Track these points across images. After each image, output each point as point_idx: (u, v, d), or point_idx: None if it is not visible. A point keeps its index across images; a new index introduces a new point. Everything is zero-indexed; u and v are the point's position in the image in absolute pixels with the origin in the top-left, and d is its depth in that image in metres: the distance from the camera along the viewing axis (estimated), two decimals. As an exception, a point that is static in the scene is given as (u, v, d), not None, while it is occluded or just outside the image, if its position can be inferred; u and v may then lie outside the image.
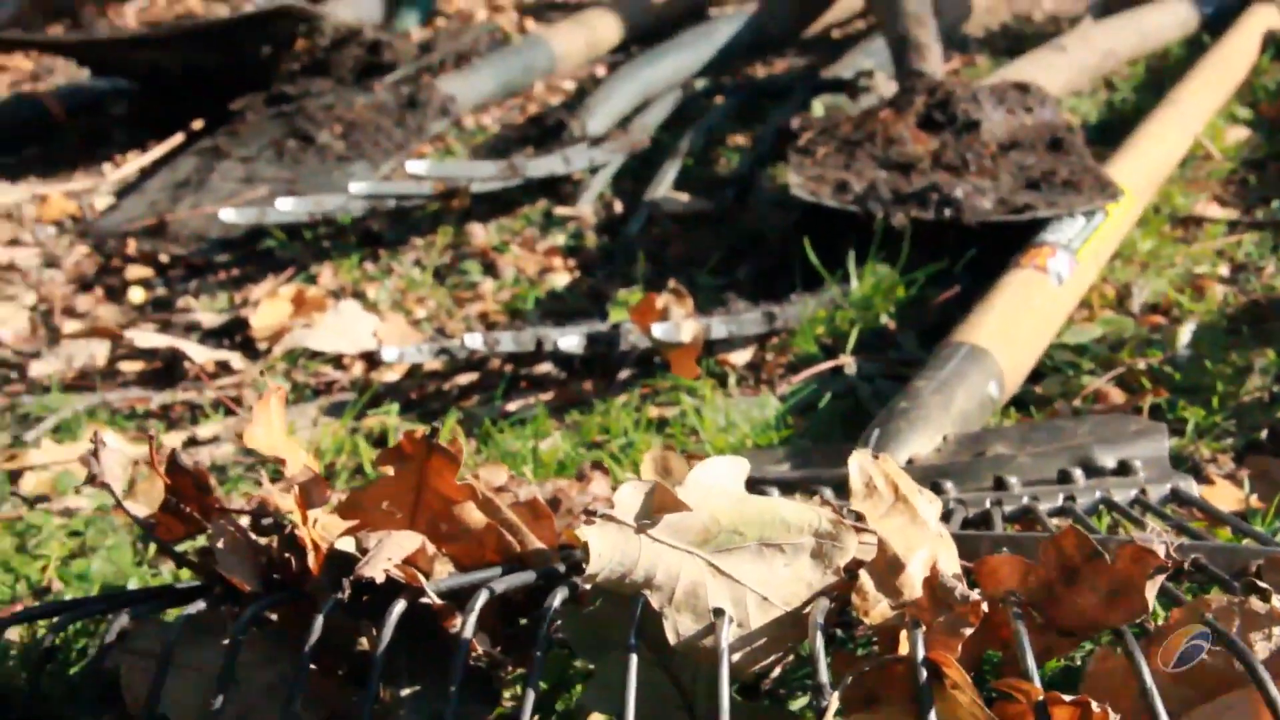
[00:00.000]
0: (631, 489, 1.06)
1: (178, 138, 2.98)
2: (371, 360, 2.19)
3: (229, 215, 2.43)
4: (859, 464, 1.14)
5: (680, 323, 1.93)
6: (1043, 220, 2.13)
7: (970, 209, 2.17)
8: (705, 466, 1.11)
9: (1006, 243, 2.11)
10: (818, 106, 2.97)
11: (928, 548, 1.11)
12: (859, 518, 1.12)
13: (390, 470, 1.25)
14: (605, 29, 3.53)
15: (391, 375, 2.12)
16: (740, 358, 2.07)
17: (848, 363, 1.97)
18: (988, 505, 1.42)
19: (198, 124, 3.02)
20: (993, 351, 1.77)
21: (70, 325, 2.35)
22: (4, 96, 3.26)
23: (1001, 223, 2.15)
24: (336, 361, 2.21)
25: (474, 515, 1.24)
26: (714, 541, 1.08)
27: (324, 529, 1.24)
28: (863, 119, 2.50)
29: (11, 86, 3.41)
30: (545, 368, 2.10)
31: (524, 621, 1.26)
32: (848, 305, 2.13)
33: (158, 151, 2.95)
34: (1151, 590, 1.04)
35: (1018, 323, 1.86)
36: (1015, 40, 3.57)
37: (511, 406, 2.00)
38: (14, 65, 3.50)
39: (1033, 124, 2.50)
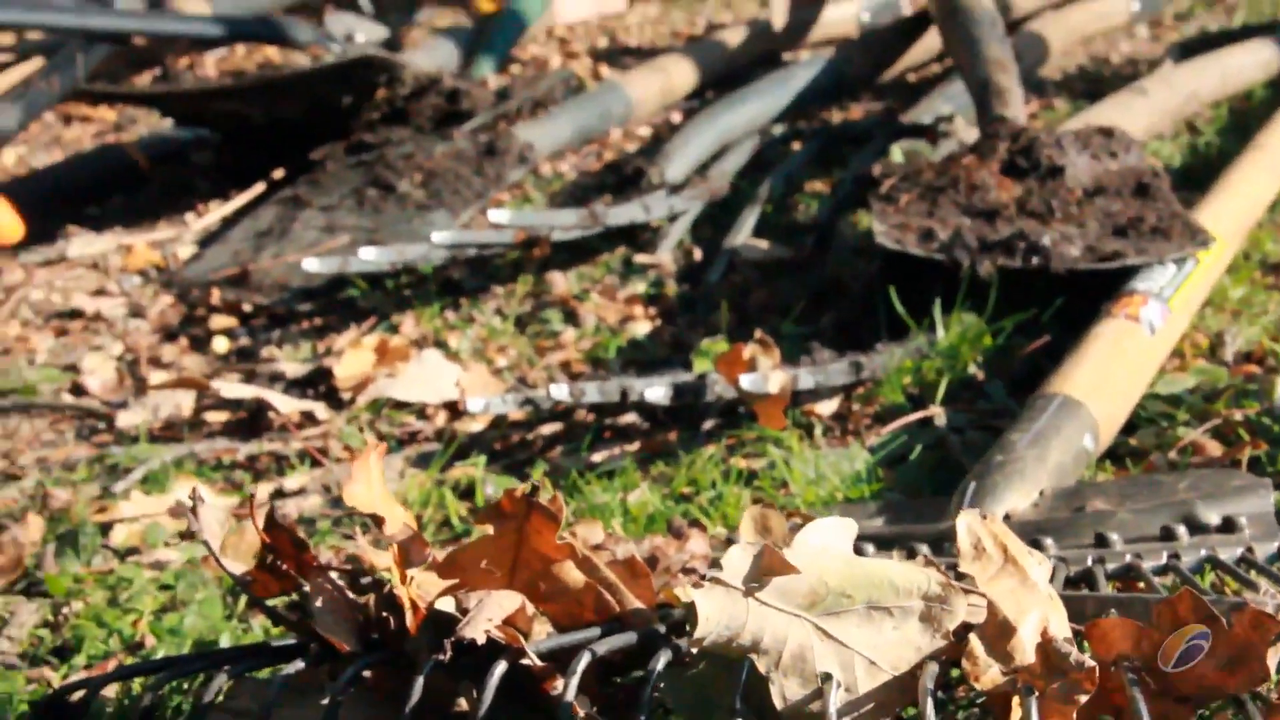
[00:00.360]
0: (740, 551, 1.05)
1: (259, 187, 3.01)
2: (455, 410, 2.20)
3: (312, 265, 2.45)
4: (967, 525, 1.13)
5: (767, 374, 1.92)
6: (1132, 268, 2.10)
7: (1058, 256, 2.14)
8: (812, 529, 1.10)
9: (1095, 290, 2.09)
10: (897, 152, 2.96)
11: (1039, 611, 1.09)
12: (967, 580, 1.10)
13: (489, 528, 1.24)
14: (680, 75, 3.53)
15: (476, 425, 2.12)
16: (826, 408, 2.05)
17: (937, 414, 1.95)
18: (1090, 563, 1.40)
19: (279, 173, 3.05)
20: (1087, 403, 1.74)
21: (156, 375, 2.36)
22: (90, 147, 3.31)
23: (1090, 270, 2.12)
24: (420, 411, 2.21)
25: (573, 574, 1.23)
26: (822, 605, 1.07)
27: (422, 588, 1.24)
28: (945, 165, 2.48)
29: (96, 137, 3.45)
30: (630, 418, 2.09)
31: (620, 681, 1.25)
32: (934, 354, 2.10)
33: (240, 200, 2.97)
34: (1273, 658, 1.02)
35: (1111, 373, 1.83)
36: (1093, 83, 3.54)
37: (597, 457, 1.99)
38: (99, 116, 3.55)
39: (1118, 169, 2.48)
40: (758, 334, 2.01)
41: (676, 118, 3.48)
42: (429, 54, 3.60)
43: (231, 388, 2.22)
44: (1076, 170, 2.45)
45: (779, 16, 3.85)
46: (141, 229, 2.94)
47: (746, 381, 1.91)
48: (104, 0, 3.60)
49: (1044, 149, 2.46)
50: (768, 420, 1.95)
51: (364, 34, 3.84)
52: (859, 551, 1.15)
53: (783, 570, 1.06)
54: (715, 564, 1.50)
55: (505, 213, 2.46)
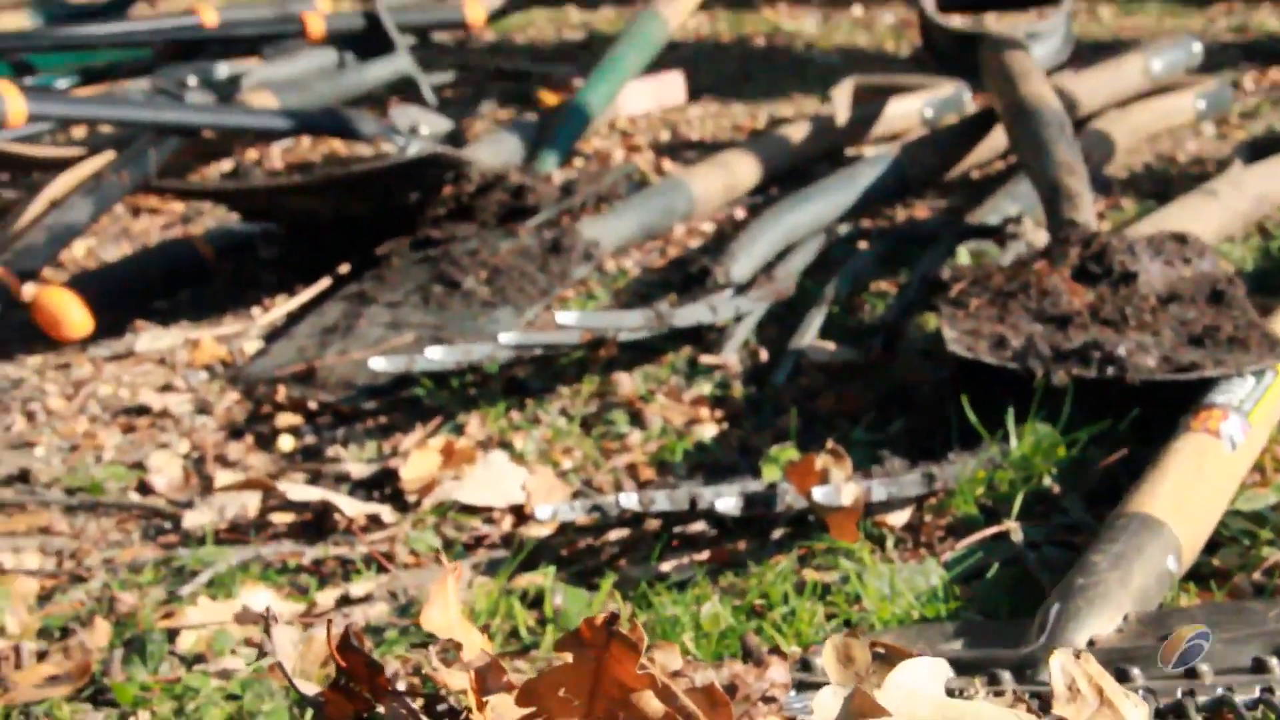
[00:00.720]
0: (831, 694, 1.03)
1: (325, 282, 3.02)
2: (521, 514, 2.18)
3: (378, 364, 2.45)
4: (1061, 665, 1.10)
5: (840, 486, 1.89)
6: (1209, 379, 2.07)
7: (1134, 367, 2.11)
8: (903, 670, 1.08)
9: (1170, 401, 2.06)
10: (964, 253, 2.94)
11: (1137, 758, 1.06)
12: (1063, 724, 1.07)
13: (568, 656, 1.22)
14: (743, 170, 3.53)
15: (542, 531, 2.11)
16: (898, 519, 2.02)
17: (1013, 529, 1.92)
18: (1179, 695, 1.36)
19: (344, 268, 3.06)
20: (1169, 523, 1.71)
21: (222, 474, 2.36)
22: (158, 239, 3.34)
23: (1167, 382, 2.09)
24: (486, 515, 2.19)
25: (653, 704, 1.21)
26: (914, 750, 1.04)
27: (498, 714, 1.22)
28: (1016, 270, 2.46)
29: (164, 229, 3.49)
30: (698, 525, 2.07)
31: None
32: (1007, 465, 2.08)
33: (306, 295, 2.98)
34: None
35: (1192, 491, 1.80)
36: (1160, 182, 3.52)
37: (666, 567, 1.97)
38: (167, 207, 3.59)
39: (1191, 275, 2.45)
40: (829, 444, 1.99)
41: (740, 214, 3.47)
42: (494, 148, 3.61)
43: (298, 490, 2.22)
44: (1150, 277, 2.43)
45: (841, 112, 3.85)
46: (208, 323, 2.96)
47: (819, 494, 1.89)
48: (175, 94, 3.64)
49: (1116, 255, 2.44)
50: (840, 532, 1.93)
51: (428, 126, 3.86)
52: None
53: (874, 714, 1.03)
54: (798, 687, 1.47)
55: (572, 314, 2.46)
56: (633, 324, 2.55)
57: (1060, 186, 2.69)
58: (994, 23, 4.74)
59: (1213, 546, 1.82)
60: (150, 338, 2.87)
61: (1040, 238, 2.82)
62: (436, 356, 2.45)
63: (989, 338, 2.26)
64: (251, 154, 4.08)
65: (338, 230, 3.10)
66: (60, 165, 3.32)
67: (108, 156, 3.31)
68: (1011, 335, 2.25)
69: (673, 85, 4.59)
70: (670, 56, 4.76)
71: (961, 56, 3.65)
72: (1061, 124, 2.93)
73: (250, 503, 2.24)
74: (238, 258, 3.15)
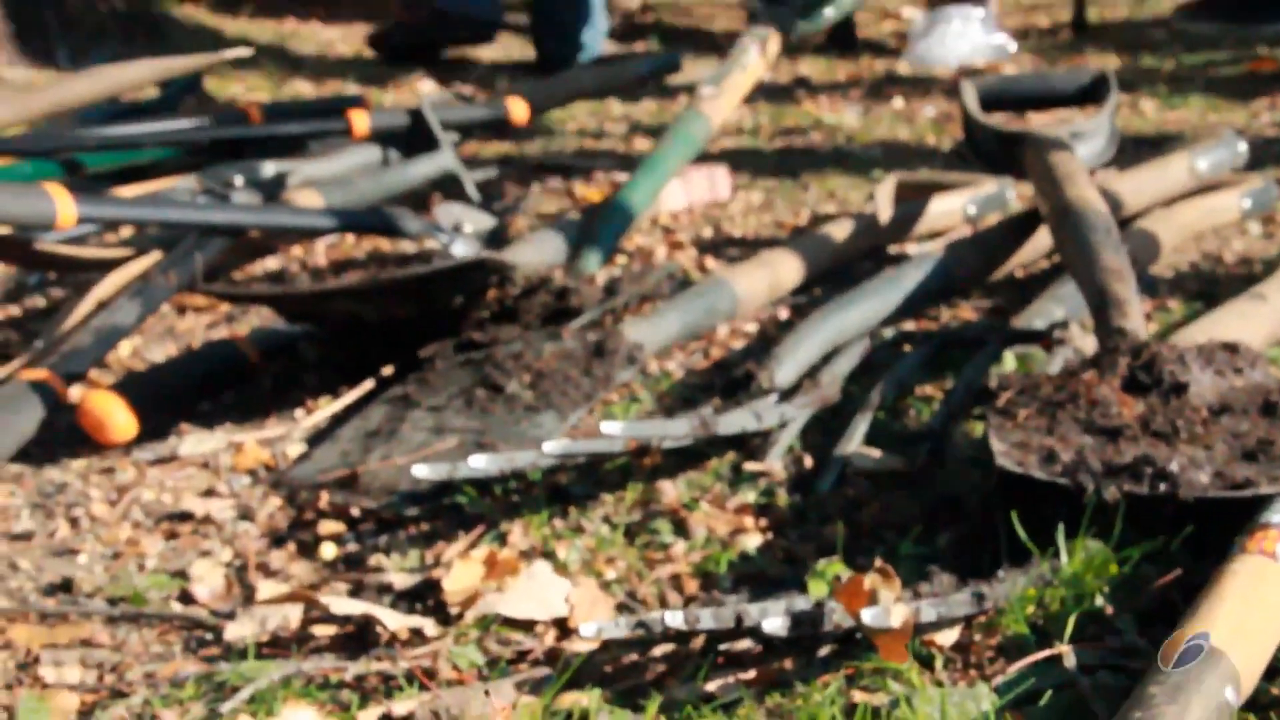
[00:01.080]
0: None
1: (369, 384, 3.02)
2: (564, 627, 2.16)
3: (421, 471, 2.44)
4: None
5: (889, 608, 1.87)
6: (1265, 496, 2.04)
7: (1186, 484, 2.09)
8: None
9: (1225, 518, 2.03)
10: (1010, 359, 2.93)
11: None
12: None
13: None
14: (786, 269, 3.53)
15: (586, 646, 2.08)
16: (947, 638, 1.99)
17: (1065, 653, 1.89)
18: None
19: (388, 370, 3.06)
20: (1227, 652, 1.68)
21: (264, 584, 2.35)
22: (203, 339, 3.35)
23: (1220, 499, 2.06)
24: (529, 628, 2.17)
25: None
26: None
27: None
28: (1064, 379, 2.45)
29: (210, 328, 3.50)
30: (744, 643, 2.05)
31: None
32: (1058, 583, 2.05)
33: (349, 398, 2.99)
34: None
35: (1249, 617, 1.76)
36: (1207, 282, 3.50)
37: (711, 687, 1.95)
38: (212, 306, 3.60)
39: (1243, 386, 2.43)
40: (878, 563, 1.96)
41: (784, 313, 3.47)
42: (537, 248, 3.62)
43: (340, 603, 2.20)
44: (1201, 388, 2.40)
45: (884, 210, 3.85)
46: (252, 425, 2.96)
47: (868, 616, 1.86)
48: (221, 194, 3.67)
49: (1166, 365, 2.42)
50: (889, 653, 1.90)
51: (471, 224, 3.88)
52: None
53: None
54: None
55: (617, 425, 2.45)
56: (677, 433, 2.54)
57: (1108, 293, 2.68)
58: (1037, 121, 4.75)
59: (1272, 673, 1.78)
60: (194, 441, 2.87)
61: (1088, 344, 2.80)
62: (479, 465, 2.44)
63: (1038, 450, 2.24)
64: (297, 250, 4.11)
65: (381, 332, 3.10)
66: (107, 266, 3.35)
67: (154, 257, 3.33)
68: (1061, 448, 2.23)
69: (717, 180, 4.60)
70: (713, 149, 4.78)
71: (1005, 155, 3.65)
72: (1108, 228, 2.91)
73: (292, 615, 2.23)
74: (282, 359, 3.16)
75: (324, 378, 3.14)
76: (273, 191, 3.87)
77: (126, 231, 3.81)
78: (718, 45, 7.55)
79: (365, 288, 2.98)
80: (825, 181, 4.73)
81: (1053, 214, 3.10)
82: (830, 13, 4.75)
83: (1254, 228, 3.88)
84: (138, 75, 3.74)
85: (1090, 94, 3.92)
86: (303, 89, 6.52)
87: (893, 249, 3.91)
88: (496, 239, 3.99)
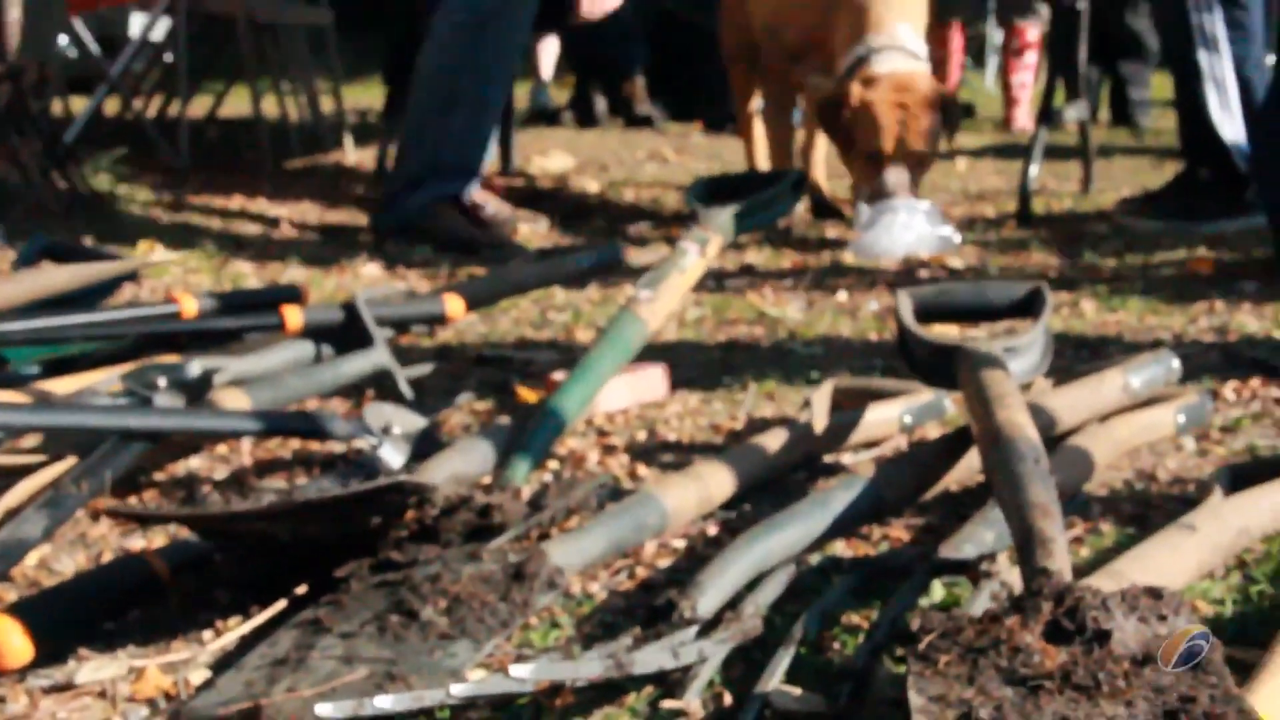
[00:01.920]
0: None
1: (281, 604, 2.93)
2: None
3: (325, 710, 2.35)
4: None
5: None
6: (1186, 765, 1.98)
7: (1105, 752, 2.02)
8: None
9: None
10: (938, 588, 2.88)
11: None
12: None
13: None
14: (717, 482, 3.48)
15: None
16: None
17: None
18: None
19: (301, 589, 2.98)
20: None
21: (152, 833, 2.24)
22: (114, 549, 3.26)
23: (1141, 768, 2.00)
24: None
25: None
26: None
27: None
28: (986, 624, 2.38)
29: (122, 535, 3.41)
30: None
31: None
32: None
33: (260, 619, 2.90)
34: None
35: None
36: (1140, 504, 3.46)
37: None
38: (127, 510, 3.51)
39: (1168, 634, 2.37)
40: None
41: (713, 530, 3.41)
42: (463, 457, 3.56)
43: None
44: (1125, 635, 2.34)
45: (819, 419, 3.82)
46: (156, 648, 2.86)
47: None
48: (143, 396, 3.61)
49: (1089, 611, 2.35)
50: None
51: (400, 426, 3.83)
52: None
53: None
54: None
55: (527, 667, 2.37)
56: (590, 674, 2.46)
57: (1033, 531, 2.63)
58: (972, 333, 4.76)
59: None
60: (93, 667, 2.76)
61: (1015, 578, 2.75)
62: (385, 705, 2.35)
63: (956, 706, 2.17)
64: (222, 449, 4.04)
65: (297, 549, 3.02)
66: (16, 474, 3.27)
67: (67, 464, 3.25)
68: (980, 703, 2.16)
69: (654, 381, 4.57)
70: (656, 341, 4.75)
71: (939, 367, 3.63)
72: (1037, 458, 2.87)
73: None
74: (194, 573, 3.07)
75: (236, 595, 3.05)
76: (198, 391, 3.80)
77: (35, 438, 3.72)
78: (669, 225, 7.62)
79: (277, 510, 2.91)
80: (765, 382, 4.70)
81: (982, 437, 3.06)
82: (768, 219, 4.78)
83: (1188, 443, 3.87)
84: (61, 281, 3.69)
85: (1025, 307, 3.92)
86: (244, 270, 6.49)
87: (828, 458, 3.87)
88: (427, 441, 3.93)
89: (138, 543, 3.34)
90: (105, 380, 3.84)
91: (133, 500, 3.63)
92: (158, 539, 3.32)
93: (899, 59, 6.80)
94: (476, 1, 6.81)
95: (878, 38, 6.82)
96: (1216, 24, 6.82)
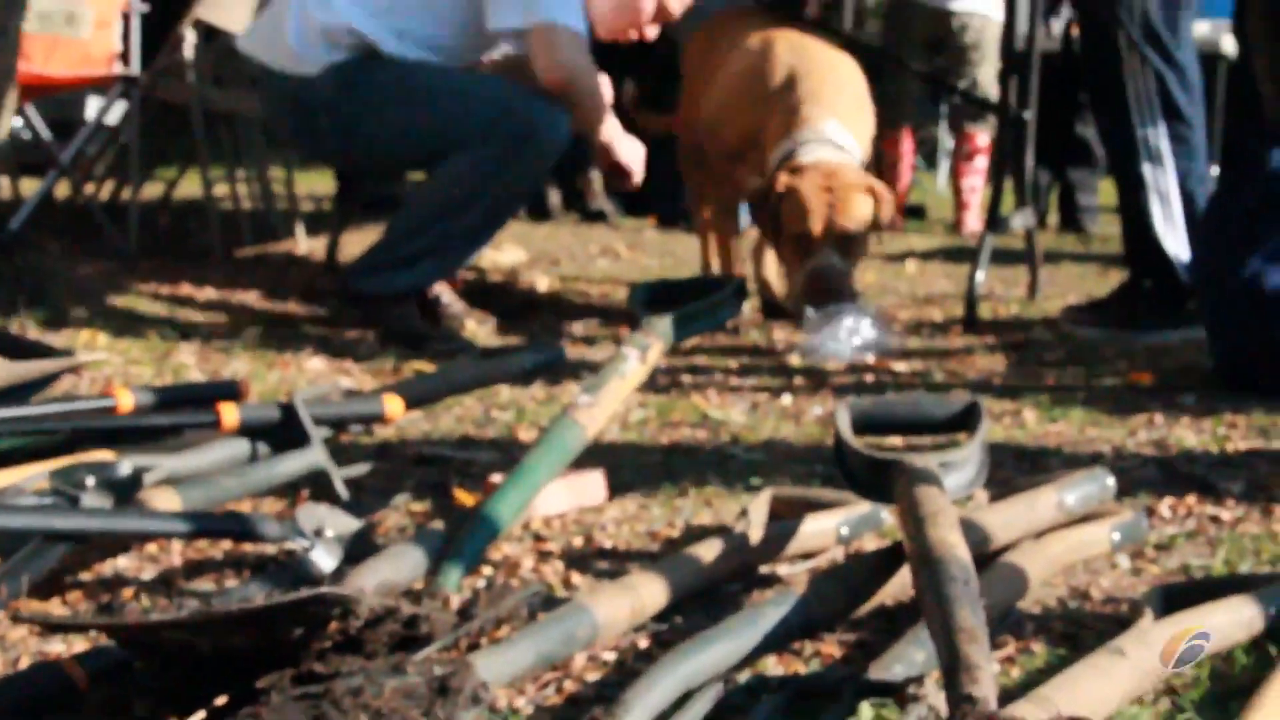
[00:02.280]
0: None
1: (200, 715, 2.88)
2: None
3: (235, 831, 2.30)
4: None
5: None
6: None
7: None
8: None
9: None
10: (866, 710, 2.85)
11: None
12: None
13: None
14: (650, 594, 3.45)
15: None
16: None
17: None
18: None
19: (221, 700, 2.92)
20: None
21: None
22: (28, 665, 3.19)
23: None
24: None
25: None
26: None
27: None
28: (910, 753, 2.37)
29: (41, 637, 3.35)
30: None
31: None
32: None
33: (176, 732, 2.84)
34: None
35: None
36: (1073, 622, 3.46)
37: None
38: (47, 611, 3.46)
39: (1092, 766, 2.36)
40: None
41: (644, 642, 3.38)
42: (393, 564, 3.53)
43: None
44: (1048, 768, 2.33)
45: (756, 530, 3.81)
46: (68, 762, 2.80)
47: None
48: (71, 496, 3.56)
49: (1014, 743, 2.35)
50: None
51: (334, 528, 3.79)
52: None
53: None
54: None
55: (442, 793, 2.33)
56: (508, 797, 2.42)
57: (959, 655, 2.61)
58: (908, 447, 4.76)
59: None
60: (2, 779, 2.70)
61: (941, 702, 2.73)
62: (298, 826, 2.31)
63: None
64: (151, 548, 3.98)
65: (218, 659, 2.97)
66: (-64, 575, 3.21)
67: (-12, 565, 3.20)
68: (900, 837, 2.14)
69: (592, 485, 4.55)
70: (597, 443, 4.73)
71: (875, 481, 3.63)
72: (967, 580, 2.87)
73: None
74: (112, 681, 3.01)
75: (155, 704, 2.99)
76: (128, 490, 3.76)
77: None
78: (618, 323, 7.63)
79: (198, 620, 2.86)
80: (705, 488, 4.69)
81: (914, 556, 3.06)
82: (709, 325, 4.79)
83: (1123, 561, 3.87)
84: (-4, 378, 3.66)
85: (962, 421, 3.93)
86: (187, 362, 6.44)
87: (763, 569, 3.85)
88: (361, 543, 3.90)
89: (57, 647, 3.28)
90: (33, 477, 3.79)
91: (55, 601, 3.58)
92: (78, 644, 3.26)
93: (826, 150, 6.86)
94: (528, 115, 6.74)
95: (804, 133, 6.89)
96: (1160, 138, 6.93)
